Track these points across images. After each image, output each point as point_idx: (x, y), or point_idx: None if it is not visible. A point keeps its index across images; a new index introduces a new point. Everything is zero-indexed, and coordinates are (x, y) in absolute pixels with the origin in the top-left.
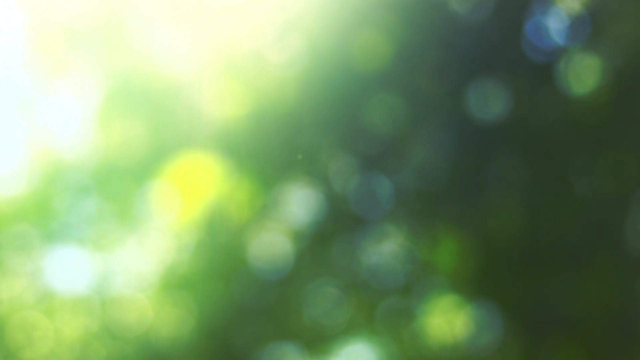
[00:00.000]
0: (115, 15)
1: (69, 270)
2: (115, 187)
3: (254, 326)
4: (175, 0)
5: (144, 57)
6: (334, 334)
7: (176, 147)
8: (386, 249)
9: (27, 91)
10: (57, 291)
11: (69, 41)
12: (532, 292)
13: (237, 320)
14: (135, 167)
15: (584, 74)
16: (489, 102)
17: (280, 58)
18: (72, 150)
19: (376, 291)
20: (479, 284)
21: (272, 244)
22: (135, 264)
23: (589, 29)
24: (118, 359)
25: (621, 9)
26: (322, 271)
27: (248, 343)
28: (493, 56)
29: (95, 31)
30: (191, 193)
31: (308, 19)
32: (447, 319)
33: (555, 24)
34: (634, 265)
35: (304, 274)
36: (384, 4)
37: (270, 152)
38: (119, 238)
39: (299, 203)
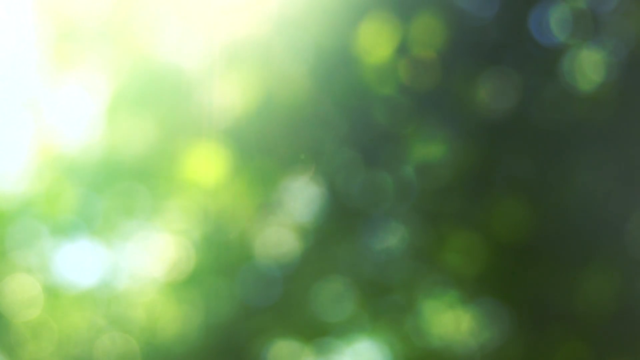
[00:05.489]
0: (122, 11)
1: (76, 266)
2: (123, 183)
3: (258, 322)
4: None
5: (151, 54)
6: (339, 331)
7: (183, 143)
8: (391, 246)
9: (36, 87)
10: (63, 286)
11: (77, 38)
12: (536, 289)
13: (242, 316)
14: (142, 162)
15: (588, 70)
16: (494, 98)
17: (285, 54)
18: (80, 146)
19: (380, 287)
20: (484, 281)
21: (277, 240)
22: (142, 260)
23: (594, 24)
24: (123, 354)
25: (625, 4)
26: (327, 267)
27: (253, 339)
28: (497, 52)
29: (103, 27)
30: (197, 189)
31: (313, 14)
32: (451, 316)
33: (559, 20)
34: (636, 263)
35: (309, 270)
36: (389, 0)
37: (275, 147)
38: (125, 233)
39: (304, 199)
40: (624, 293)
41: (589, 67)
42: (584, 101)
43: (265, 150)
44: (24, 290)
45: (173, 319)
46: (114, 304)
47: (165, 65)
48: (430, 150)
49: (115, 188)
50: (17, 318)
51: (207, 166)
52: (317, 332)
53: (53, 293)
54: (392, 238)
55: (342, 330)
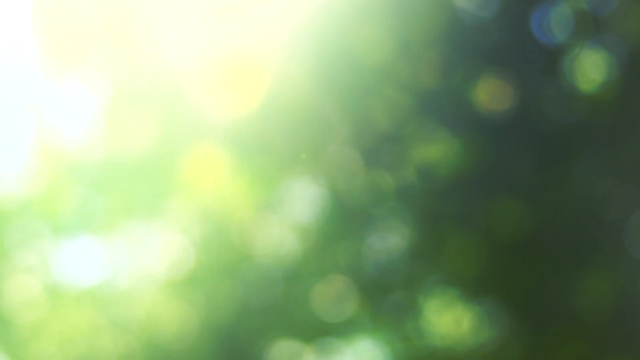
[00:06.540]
0: (124, 13)
1: (77, 265)
2: (124, 184)
3: (259, 322)
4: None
5: (152, 56)
6: (339, 331)
7: (184, 144)
8: (391, 246)
9: (37, 87)
10: (64, 286)
11: (77, 38)
12: (536, 289)
13: (242, 316)
14: (143, 163)
15: (589, 70)
16: (494, 98)
17: (286, 55)
18: (81, 146)
19: (381, 287)
20: (484, 281)
21: (277, 240)
22: (142, 259)
23: (594, 24)
24: (124, 354)
25: (625, 4)
26: (327, 267)
27: (253, 339)
28: (498, 52)
29: (104, 27)
30: (198, 189)
31: (313, 15)
32: (452, 316)
33: (560, 20)
34: (636, 263)
35: (309, 270)
36: (389, 0)
37: (276, 148)
38: (126, 233)
39: (305, 199)
40: (624, 293)
41: (589, 67)
42: (584, 101)
43: (265, 150)
44: (25, 290)
45: (173, 319)
46: (114, 304)
47: (166, 65)
48: (430, 150)
49: (116, 188)
50: (18, 318)
51: (208, 166)
52: (317, 332)
53: (54, 293)
54: (392, 238)
55: (343, 330)
